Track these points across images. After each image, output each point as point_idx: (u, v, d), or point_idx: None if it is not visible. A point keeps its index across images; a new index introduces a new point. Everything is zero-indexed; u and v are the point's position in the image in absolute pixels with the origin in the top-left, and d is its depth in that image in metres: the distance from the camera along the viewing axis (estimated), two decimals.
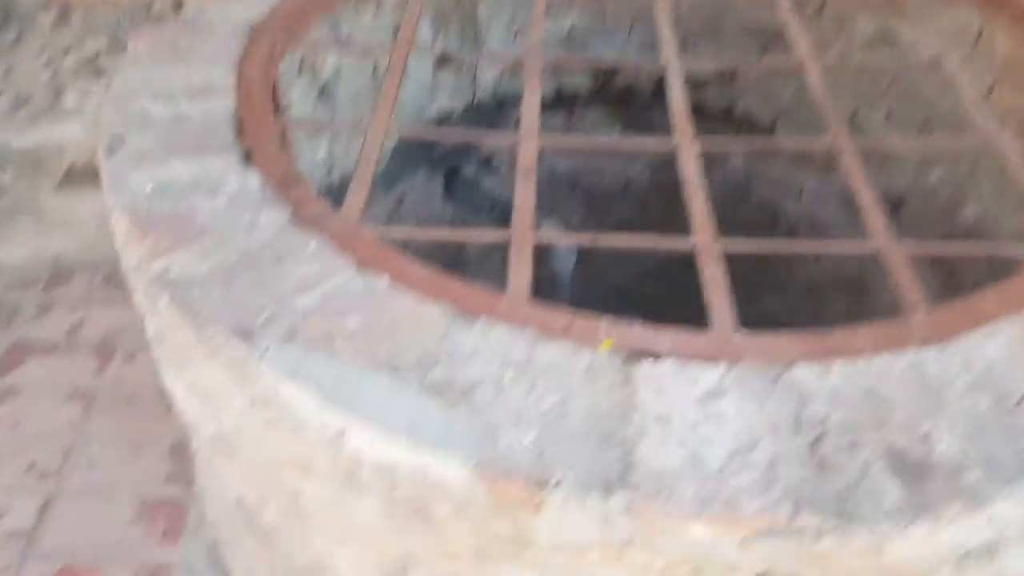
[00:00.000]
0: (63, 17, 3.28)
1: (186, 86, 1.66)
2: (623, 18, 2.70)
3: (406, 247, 1.65)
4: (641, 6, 2.62)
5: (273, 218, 1.37)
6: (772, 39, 2.59)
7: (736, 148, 1.58)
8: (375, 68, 2.31)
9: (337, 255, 1.31)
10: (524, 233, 1.35)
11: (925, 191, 2.31)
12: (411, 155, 2.58)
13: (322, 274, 1.28)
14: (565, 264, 2.69)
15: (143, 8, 3.30)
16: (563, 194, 3.02)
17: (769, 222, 2.80)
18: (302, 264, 1.29)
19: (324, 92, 2.13)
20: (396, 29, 2.32)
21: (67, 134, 2.82)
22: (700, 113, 2.82)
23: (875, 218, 1.40)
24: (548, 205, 3.11)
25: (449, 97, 2.60)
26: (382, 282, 1.26)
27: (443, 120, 2.63)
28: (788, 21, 1.96)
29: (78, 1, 3.39)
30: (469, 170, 2.74)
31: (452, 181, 2.72)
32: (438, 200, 2.75)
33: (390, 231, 1.36)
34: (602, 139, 1.62)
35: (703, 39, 2.63)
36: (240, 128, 1.57)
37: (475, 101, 2.68)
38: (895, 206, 2.44)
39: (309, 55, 2.01)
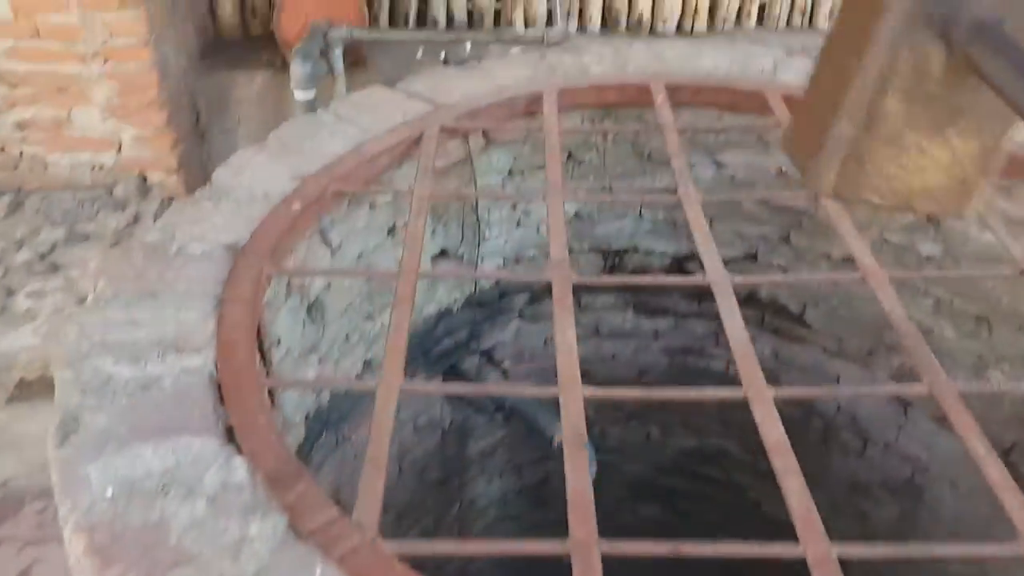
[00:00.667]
0: (17, 205, 3.04)
1: (156, 339, 1.39)
2: (632, 202, 2.50)
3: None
4: (647, 189, 2.43)
5: (267, 531, 1.09)
6: (796, 218, 2.40)
7: (821, 397, 1.33)
8: (369, 279, 2.07)
9: None
10: (588, 545, 1.06)
11: (988, 395, 2.07)
12: (408, 361, 2.31)
13: None
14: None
15: (104, 192, 3.07)
16: None
17: (803, 417, 2.55)
18: None
19: (314, 308, 1.87)
20: (391, 229, 2.10)
21: (18, 343, 2.52)
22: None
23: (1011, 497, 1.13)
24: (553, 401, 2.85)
25: (449, 290, 2.36)
26: None
27: (443, 315, 2.38)
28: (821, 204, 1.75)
29: (34, 186, 3.16)
30: (470, 367, 2.48)
31: (452, 380, 2.45)
32: (438, 402, 2.48)
33: (415, 547, 1.08)
34: (661, 391, 1.36)
35: (721, 216, 2.44)
36: (221, 394, 1.29)
37: (476, 292, 2.45)
38: None
39: (298, 279, 1.76)
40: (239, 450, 1.20)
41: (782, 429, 1.26)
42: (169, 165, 3.26)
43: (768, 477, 3.11)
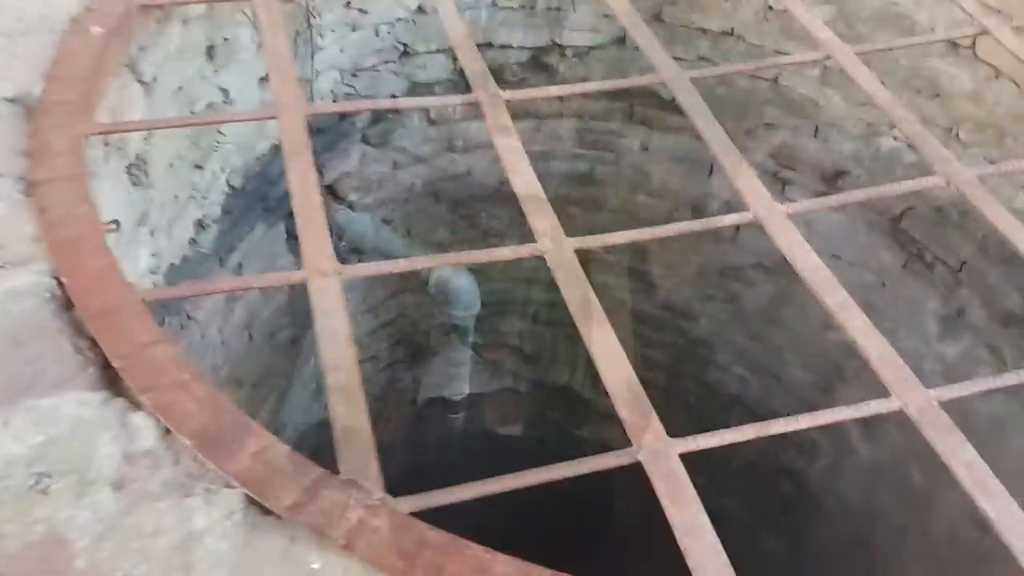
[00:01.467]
0: None
1: None
2: None
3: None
4: None
5: (220, 518, 0.76)
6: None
7: (846, 202, 1.11)
8: (192, 112, 1.62)
9: None
10: (658, 447, 0.82)
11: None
12: (245, 210, 1.92)
13: None
14: (470, 305, 2.17)
15: None
16: (426, 207, 2.44)
17: (669, 209, 2.39)
18: None
19: (135, 167, 1.43)
20: (211, 49, 1.65)
21: None
22: None
23: None
24: (409, 224, 2.52)
25: None
26: None
27: (277, 150, 1.96)
28: None
29: None
30: None
31: (294, 224, 2.07)
32: (283, 249, 2.10)
33: (430, 498, 0.79)
34: (664, 228, 1.10)
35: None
36: (77, 321, 0.90)
37: (312, 116, 2.03)
38: None
39: (116, 136, 1.30)
40: (134, 403, 0.84)
41: (817, 258, 1.05)
42: None
43: None
